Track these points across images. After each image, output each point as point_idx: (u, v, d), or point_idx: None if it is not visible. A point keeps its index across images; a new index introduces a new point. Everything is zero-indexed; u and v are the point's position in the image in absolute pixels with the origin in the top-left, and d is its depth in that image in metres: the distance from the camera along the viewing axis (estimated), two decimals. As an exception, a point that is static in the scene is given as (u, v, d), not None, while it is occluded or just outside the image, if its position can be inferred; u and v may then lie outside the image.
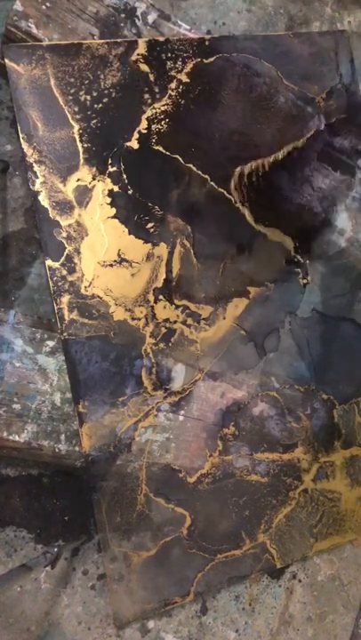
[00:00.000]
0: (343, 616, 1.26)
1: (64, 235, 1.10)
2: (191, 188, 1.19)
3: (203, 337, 1.17)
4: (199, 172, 1.19)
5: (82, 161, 1.12)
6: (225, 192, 1.21)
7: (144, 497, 1.11)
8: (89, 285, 1.11)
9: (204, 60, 1.20)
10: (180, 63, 1.18)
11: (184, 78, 1.18)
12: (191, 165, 1.19)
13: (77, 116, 1.12)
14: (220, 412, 1.18)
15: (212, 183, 1.20)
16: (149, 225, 1.15)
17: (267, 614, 1.21)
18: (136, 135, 1.15)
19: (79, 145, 1.12)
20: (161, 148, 1.16)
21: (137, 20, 1.17)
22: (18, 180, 1.19)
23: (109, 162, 1.13)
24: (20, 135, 1.09)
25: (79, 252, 1.11)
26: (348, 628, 1.26)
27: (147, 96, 1.16)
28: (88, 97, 1.12)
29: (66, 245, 1.10)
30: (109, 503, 1.09)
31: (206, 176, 1.20)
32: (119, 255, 1.13)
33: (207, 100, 1.20)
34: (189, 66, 1.19)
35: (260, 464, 1.19)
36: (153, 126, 1.16)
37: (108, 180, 1.13)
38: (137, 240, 1.14)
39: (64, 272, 1.10)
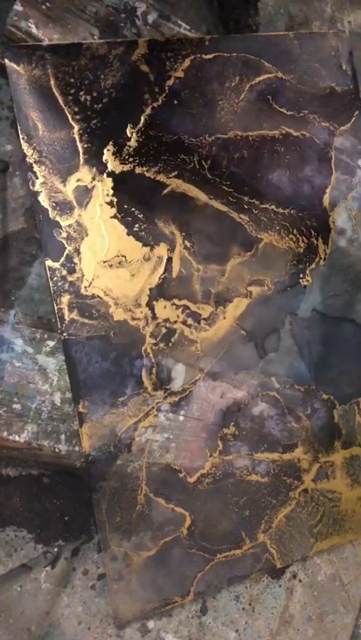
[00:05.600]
0: (343, 616, 1.26)
1: (64, 235, 1.10)
2: (187, 194, 1.19)
3: (203, 337, 1.17)
4: (194, 185, 1.19)
5: (82, 161, 1.12)
6: (222, 199, 1.21)
7: (144, 497, 1.11)
8: (89, 285, 1.11)
9: (203, 56, 1.20)
10: (179, 62, 1.18)
11: (181, 75, 1.18)
12: (182, 180, 1.19)
13: (77, 117, 1.12)
14: (220, 412, 1.18)
15: (209, 197, 1.20)
16: (149, 226, 1.15)
17: (267, 614, 1.21)
18: (134, 135, 1.15)
19: (79, 145, 1.12)
20: (151, 156, 1.16)
21: (137, 20, 1.17)
22: (18, 180, 1.19)
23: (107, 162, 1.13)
24: (21, 135, 1.09)
25: (79, 253, 1.11)
26: (349, 628, 1.26)
27: (147, 96, 1.16)
28: (88, 97, 1.12)
29: (66, 245, 1.10)
30: (109, 503, 1.09)
31: (204, 185, 1.20)
32: (119, 255, 1.13)
33: (205, 98, 1.20)
34: (187, 62, 1.19)
35: (261, 464, 1.19)
36: (149, 126, 1.16)
37: (108, 181, 1.13)
38: (137, 240, 1.14)
39: (64, 272, 1.10)
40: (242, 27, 1.31)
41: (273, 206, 1.24)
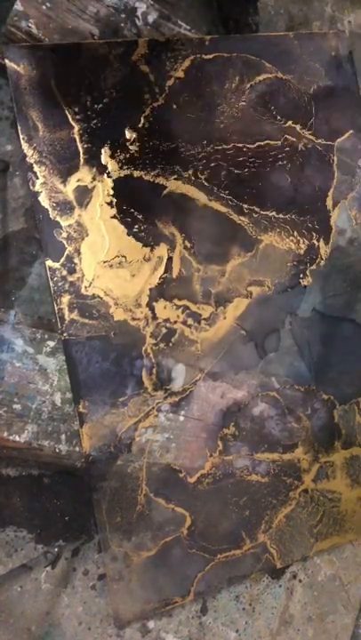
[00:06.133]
0: (343, 616, 1.26)
1: (64, 235, 1.10)
2: (187, 194, 1.19)
3: (203, 337, 1.17)
4: (194, 187, 1.19)
5: (82, 161, 1.12)
6: (222, 200, 1.21)
7: (144, 497, 1.11)
8: (89, 285, 1.11)
9: (203, 56, 1.20)
10: (179, 62, 1.18)
11: (181, 75, 1.18)
12: (182, 182, 1.19)
13: (77, 117, 1.12)
14: (220, 412, 1.18)
15: (209, 198, 1.20)
16: (149, 226, 1.15)
17: (267, 614, 1.21)
18: (133, 136, 1.15)
19: (79, 145, 1.12)
20: (151, 157, 1.16)
21: (137, 20, 1.17)
22: (18, 180, 1.19)
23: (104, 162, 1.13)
24: (21, 136, 1.09)
25: (79, 253, 1.11)
26: (349, 628, 1.26)
27: (147, 96, 1.16)
28: (88, 97, 1.12)
29: (66, 246, 1.10)
30: (109, 503, 1.09)
31: (204, 187, 1.20)
32: (119, 255, 1.13)
33: (205, 98, 1.20)
34: (187, 62, 1.19)
35: (261, 464, 1.20)
36: (149, 127, 1.16)
37: (108, 181, 1.13)
38: (137, 240, 1.14)
39: (64, 272, 1.10)
40: (241, 27, 1.31)
41: (273, 212, 1.24)
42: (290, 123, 1.27)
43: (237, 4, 1.30)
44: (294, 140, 1.27)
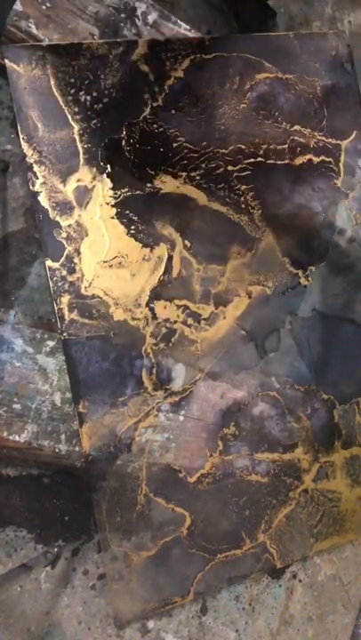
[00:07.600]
0: (343, 616, 1.26)
1: (64, 235, 1.10)
2: (187, 194, 1.19)
3: (203, 337, 1.17)
4: (194, 187, 1.19)
5: (82, 161, 1.12)
6: (222, 200, 1.21)
7: (144, 497, 1.11)
8: (89, 285, 1.11)
9: (203, 56, 1.20)
10: (179, 62, 1.18)
11: (181, 75, 1.18)
12: (181, 182, 1.19)
13: (77, 117, 1.12)
14: (220, 412, 1.18)
15: (209, 198, 1.20)
16: (149, 226, 1.15)
17: (267, 614, 1.21)
18: (125, 134, 1.15)
19: (79, 145, 1.12)
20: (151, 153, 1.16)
21: (137, 20, 1.17)
22: (18, 180, 1.19)
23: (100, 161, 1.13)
24: (21, 136, 1.09)
25: (79, 253, 1.11)
26: (349, 628, 1.26)
27: (147, 96, 1.16)
28: (88, 97, 1.12)
29: (66, 246, 1.10)
30: (109, 503, 1.09)
31: (203, 189, 1.20)
32: (119, 255, 1.13)
33: (205, 98, 1.20)
34: (187, 62, 1.19)
35: (261, 464, 1.20)
36: (149, 126, 1.16)
37: (108, 181, 1.13)
38: (137, 240, 1.14)
39: (64, 272, 1.10)
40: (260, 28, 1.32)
41: (273, 206, 1.24)
42: (296, 124, 1.26)
43: (252, 10, 1.30)
44: (297, 141, 1.27)
